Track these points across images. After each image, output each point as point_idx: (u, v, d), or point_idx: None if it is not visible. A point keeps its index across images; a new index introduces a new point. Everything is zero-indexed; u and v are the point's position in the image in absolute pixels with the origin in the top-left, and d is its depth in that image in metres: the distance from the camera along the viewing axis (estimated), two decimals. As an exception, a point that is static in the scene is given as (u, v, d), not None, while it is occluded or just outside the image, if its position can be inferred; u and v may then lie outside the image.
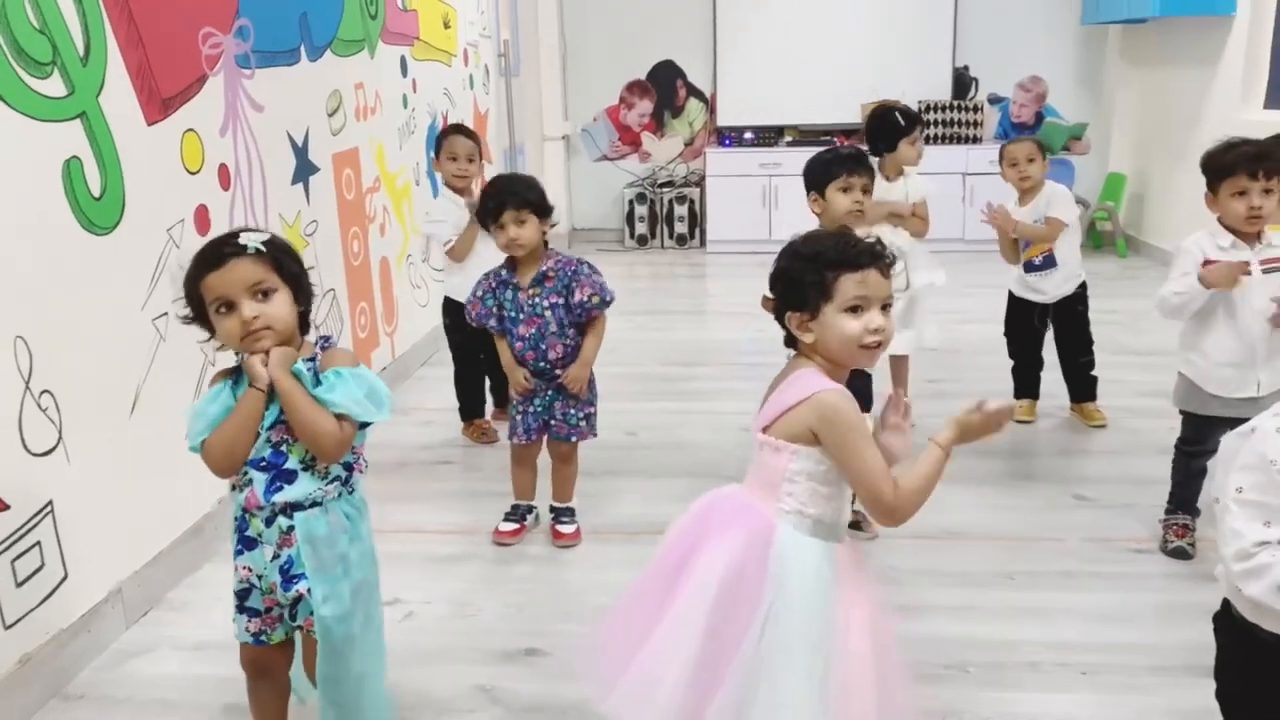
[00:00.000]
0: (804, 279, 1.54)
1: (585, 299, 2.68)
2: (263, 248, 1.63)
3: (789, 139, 7.05)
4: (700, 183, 7.23)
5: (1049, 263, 3.54)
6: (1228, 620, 1.46)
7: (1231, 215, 2.51)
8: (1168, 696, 2.10)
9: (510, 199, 2.64)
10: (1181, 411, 2.69)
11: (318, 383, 1.67)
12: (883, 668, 1.57)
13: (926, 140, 6.83)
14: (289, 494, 1.68)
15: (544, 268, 2.69)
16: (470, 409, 3.64)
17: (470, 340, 3.37)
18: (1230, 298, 2.50)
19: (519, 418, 2.80)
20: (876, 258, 1.54)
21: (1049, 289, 3.57)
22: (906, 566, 2.69)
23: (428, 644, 2.37)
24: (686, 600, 1.54)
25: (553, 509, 2.91)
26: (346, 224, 3.70)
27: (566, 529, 2.87)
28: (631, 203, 7.32)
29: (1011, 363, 3.77)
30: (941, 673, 2.22)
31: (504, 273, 2.74)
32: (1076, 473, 3.31)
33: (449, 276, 3.53)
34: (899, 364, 3.69)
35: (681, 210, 7.23)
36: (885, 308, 1.54)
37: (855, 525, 2.85)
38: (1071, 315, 3.62)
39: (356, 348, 3.80)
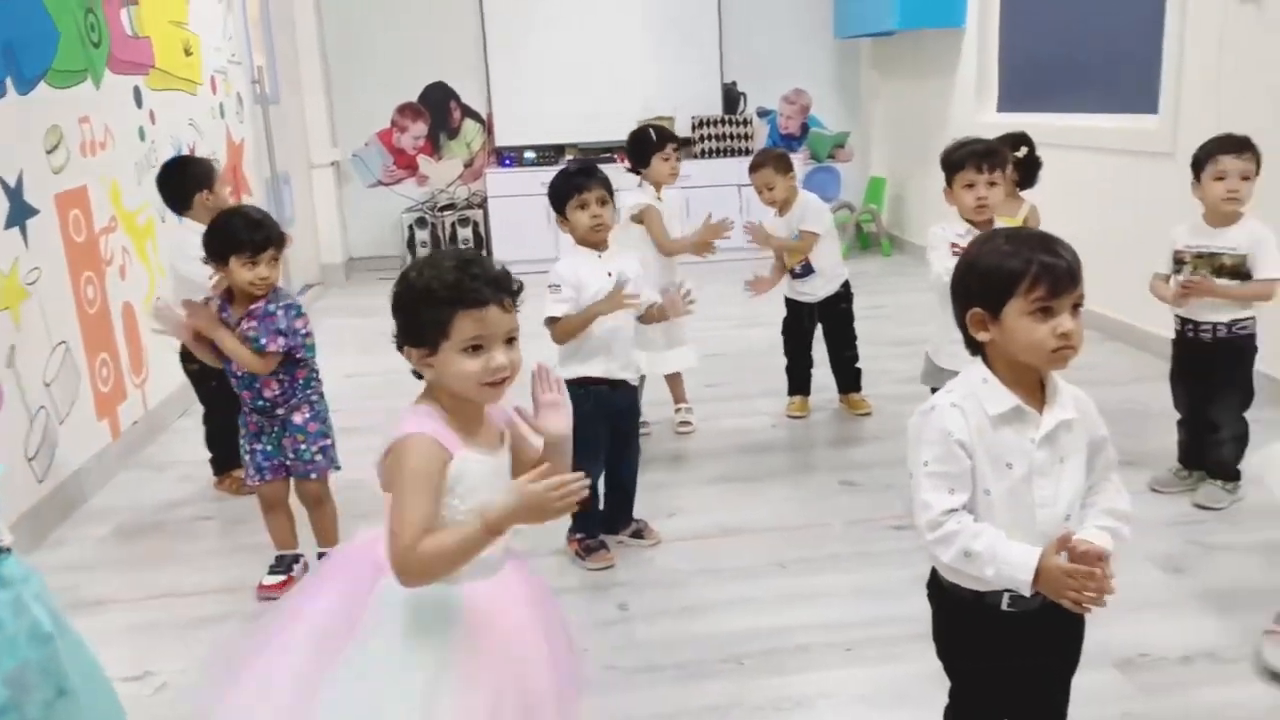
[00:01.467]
0: (419, 315, 1.44)
1: (263, 343, 2.55)
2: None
3: (570, 157, 7.11)
4: (483, 204, 7.16)
5: (807, 270, 3.73)
6: (936, 586, 1.55)
7: (963, 206, 2.75)
8: (924, 662, 2.15)
9: (274, 235, 2.56)
10: (932, 390, 2.86)
11: None
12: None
13: (702, 155, 7.11)
14: None
15: (251, 305, 2.57)
16: (223, 461, 3.39)
17: (223, 386, 3.14)
18: None
19: (248, 457, 2.67)
20: (500, 290, 1.43)
21: (814, 291, 3.76)
22: (687, 567, 2.73)
23: (183, 715, 2.18)
24: (287, 640, 1.52)
25: (320, 555, 2.76)
26: (77, 269, 3.40)
27: (337, 571, 2.73)
28: (412, 228, 7.16)
29: (786, 362, 3.93)
30: (717, 668, 2.25)
31: (222, 307, 2.61)
32: (845, 460, 3.46)
33: None
34: (672, 380, 3.79)
35: (465, 233, 7.13)
36: (511, 339, 1.45)
37: (637, 534, 2.87)
38: (836, 313, 3.82)
39: (98, 403, 3.50)
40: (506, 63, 7.16)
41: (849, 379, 3.91)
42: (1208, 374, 2.87)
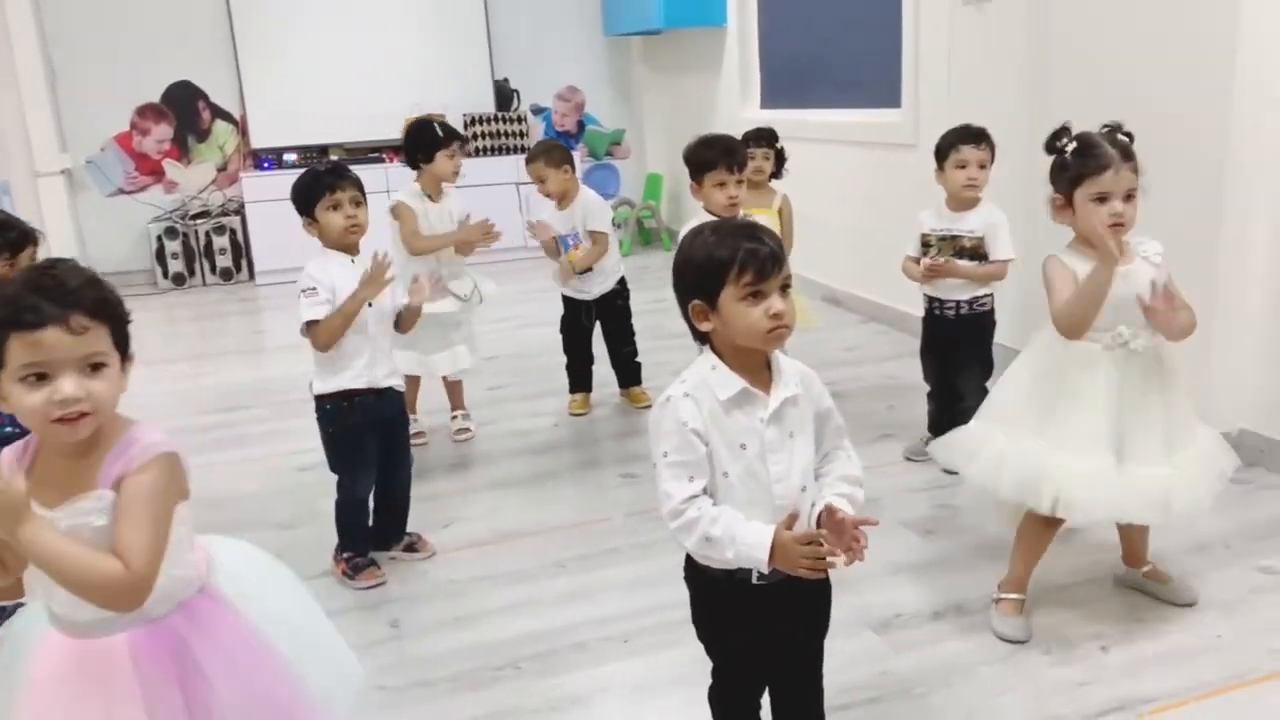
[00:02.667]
0: None
1: None
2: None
3: (335, 158, 6.80)
4: (240, 210, 6.73)
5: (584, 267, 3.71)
6: (691, 568, 1.57)
7: (715, 205, 2.80)
8: (698, 645, 2.22)
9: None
10: None
11: None
12: None
13: (477, 153, 7.00)
14: None
15: None
16: None
17: None
18: None
19: None
20: (68, 307, 1.21)
21: (591, 288, 3.75)
22: (463, 577, 2.66)
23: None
24: None
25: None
26: None
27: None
28: (160, 238, 6.61)
29: (566, 360, 3.91)
30: (492, 676, 2.20)
31: None
32: (625, 453, 3.49)
33: None
34: (450, 386, 3.70)
35: (222, 242, 6.68)
36: (97, 365, 1.24)
37: (410, 548, 2.77)
38: (614, 310, 3.83)
39: None
40: (259, 59, 6.75)
41: (629, 374, 3.94)
42: (952, 348, 3.09)
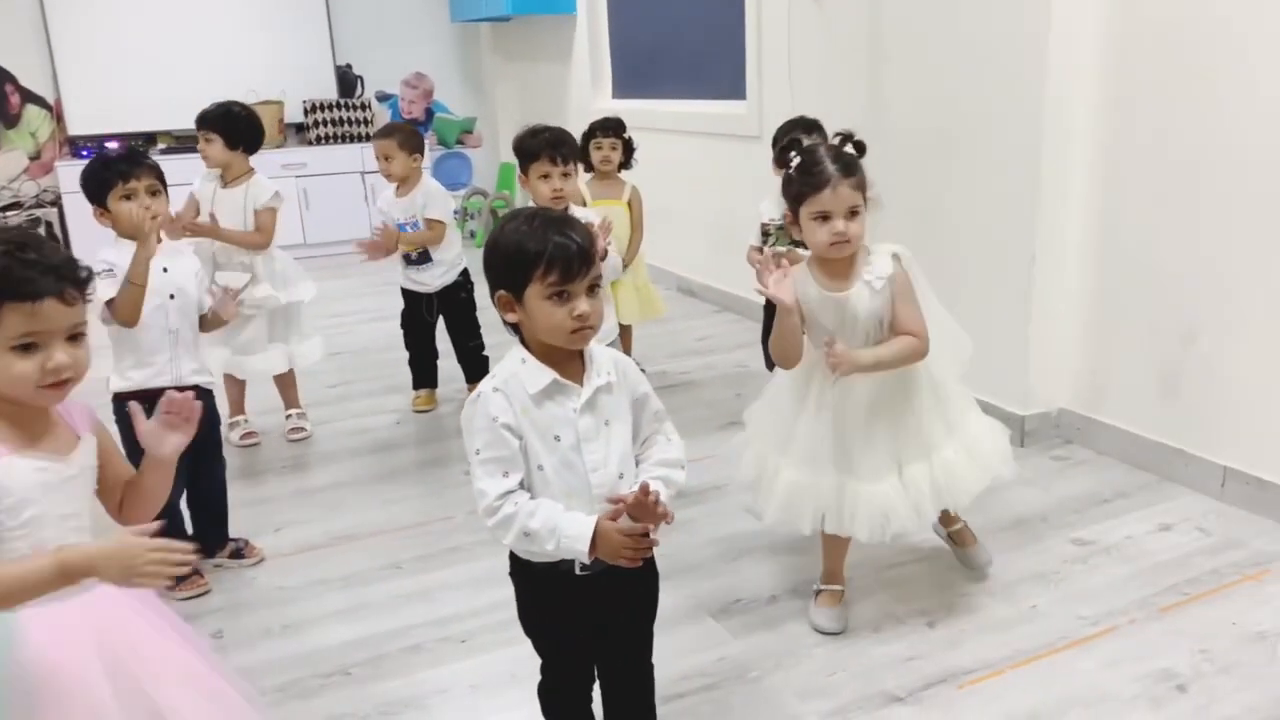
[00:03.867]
0: None
1: None
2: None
3: (163, 146, 6.42)
4: (57, 201, 6.25)
5: (424, 258, 3.59)
6: (515, 564, 1.53)
7: (539, 196, 2.74)
8: None
9: None
10: None
11: None
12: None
13: (317, 141, 6.73)
14: None
15: None
16: None
17: None
18: None
19: None
20: (61, 280, 1.27)
21: (430, 281, 3.63)
22: (293, 583, 2.54)
23: None
24: None
25: None
26: None
27: None
28: (-22, 229, 6.11)
29: (409, 355, 3.79)
30: (323, 683, 2.11)
31: None
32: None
33: None
34: (282, 383, 3.53)
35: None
36: (77, 335, 1.30)
37: (236, 554, 2.63)
38: (457, 303, 3.70)
39: None
40: (75, 40, 6.27)
41: (475, 368, 3.84)
42: None
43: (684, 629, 2.23)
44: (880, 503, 2.05)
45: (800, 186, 1.94)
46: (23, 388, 1.27)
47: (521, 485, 1.39)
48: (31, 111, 6.41)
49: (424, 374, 3.79)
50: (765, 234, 3.08)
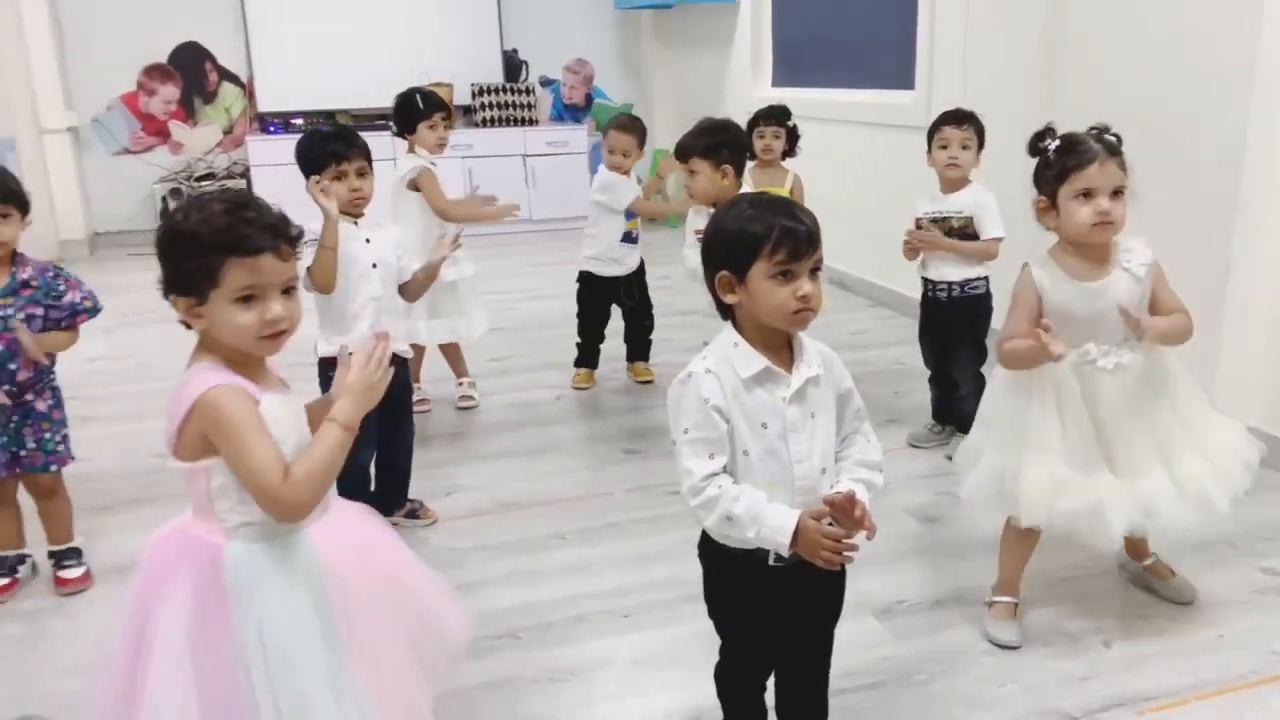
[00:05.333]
0: (185, 263, 1.34)
1: (78, 301, 2.36)
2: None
3: (341, 124, 6.75)
4: (246, 174, 6.65)
5: (629, 239, 3.72)
6: (706, 545, 1.55)
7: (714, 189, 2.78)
8: (697, 622, 2.18)
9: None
10: None
11: None
12: (416, 637, 1.52)
13: (483, 124, 6.94)
14: None
15: (23, 275, 2.29)
16: None
17: None
18: None
19: None
20: (277, 236, 1.35)
21: (633, 262, 3.75)
22: (464, 545, 2.65)
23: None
24: (159, 673, 1.34)
25: (52, 554, 2.50)
26: None
27: (72, 573, 2.47)
28: (165, 199, 6.54)
29: (579, 338, 3.87)
30: (493, 644, 2.19)
31: None
32: (628, 428, 3.47)
33: None
34: (450, 351, 3.68)
35: (226, 204, 6.64)
36: (290, 289, 1.38)
37: (412, 514, 2.76)
38: (642, 284, 3.82)
39: None
40: (268, 22, 6.65)
41: (642, 348, 3.92)
42: (945, 332, 3.08)
43: (846, 625, 2.16)
44: (1144, 496, 1.97)
45: (1062, 165, 1.91)
46: (245, 337, 1.35)
47: (725, 469, 1.41)
48: (227, 89, 6.84)
49: (591, 354, 3.89)
50: (919, 228, 3.03)
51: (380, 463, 2.68)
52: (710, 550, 1.53)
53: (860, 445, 1.51)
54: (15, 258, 2.31)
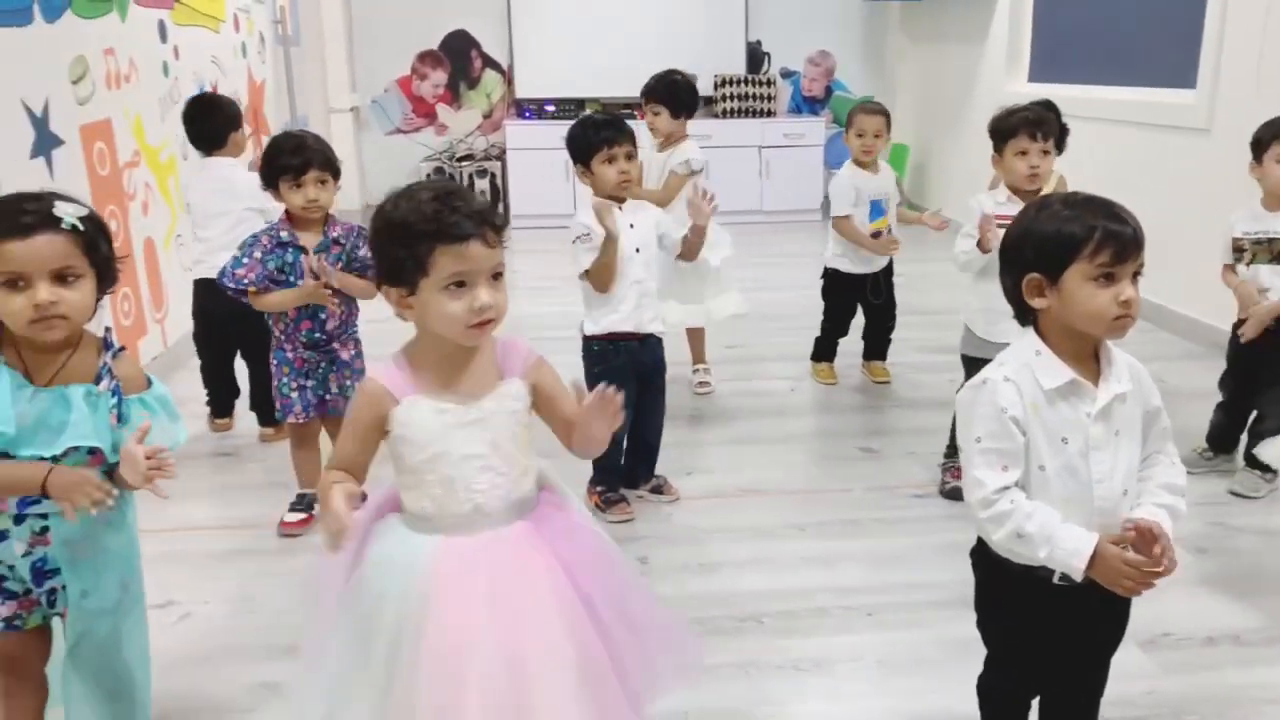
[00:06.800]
0: (395, 252, 1.35)
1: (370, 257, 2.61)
2: (80, 224, 1.47)
3: (590, 111, 7.01)
4: (501, 156, 7.07)
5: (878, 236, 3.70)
6: (983, 555, 1.51)
7: (1016, 174, 2.67)
8: (942, 628, 2.20)
9: (315, 157, 2.51)
10: (964, 358, 2.78)
11: (118, 401, 1.53)
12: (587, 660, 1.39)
13: (723, 114, 7.02)
14: (45, 506, 1.54)
15: (334, 234, 2.58)
16: (221, 404, 3.45)
17: (252, 329, 2.95)
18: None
19: (295, 394, 2.65)
20: (483, 224, 1.35)
21: (880, 260, 3.73)
22: (706, 525, 2.73)
23: (206, 645, 2.21)
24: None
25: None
26: (101, 202, 3.37)
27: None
28: (429, 177, 7.08)
29: (820, 332, 3.88)
30: (738, 625, 2.26)
31: (283, 234, 2.56)
32: (865, 427, 3.45)
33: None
34: (693, 335, 3.77)
35: (483, 184, 7.03)
36: (497, 276, 1.37)
37: (657, 490, 2.87)
38: (889, 283, 3.79)
39: (121, 337, 3.48)
40: (529, 13, 7.03)
41: (882, 348, 3.88)
42: (1259, 365, 2.80)
43: (1105, 650, 2.12)
44: None
45: None
46: (454, 326, 1.35)
47: (1018, 483, 1.36)
48: (489, 75, 7.30)
49: (831, 349, 3.89)
50: (1238, 250, 2.78)
51: (632, 438, 2.80)
52: (987, 560, 1.49)
53: (1164, 467, 1.43)
54: (328, 219, 2.59)
